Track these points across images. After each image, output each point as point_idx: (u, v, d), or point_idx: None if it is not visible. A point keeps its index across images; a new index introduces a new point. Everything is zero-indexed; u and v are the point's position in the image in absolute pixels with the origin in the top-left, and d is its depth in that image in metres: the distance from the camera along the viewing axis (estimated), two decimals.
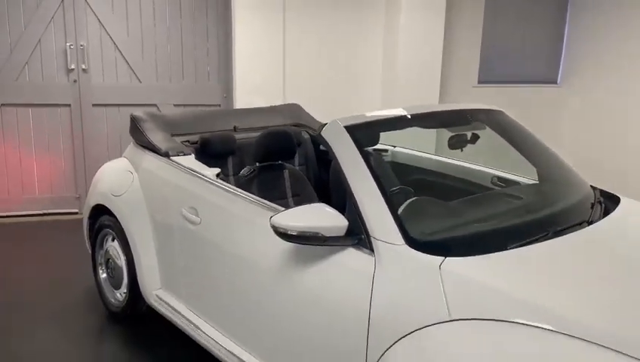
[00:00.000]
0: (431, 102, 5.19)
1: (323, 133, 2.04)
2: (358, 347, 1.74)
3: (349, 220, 1.84)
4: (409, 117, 2.22)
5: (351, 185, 1.88)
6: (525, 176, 2.79)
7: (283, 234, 1.79)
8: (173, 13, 5.00)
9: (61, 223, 4.80)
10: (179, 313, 2.62)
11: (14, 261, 3.93)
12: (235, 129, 3.39)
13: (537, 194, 2.44)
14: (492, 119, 2.72)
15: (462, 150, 2.45)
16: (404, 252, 1.71)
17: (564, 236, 1.88)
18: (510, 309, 1.50)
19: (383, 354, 1.67)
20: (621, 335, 1.39)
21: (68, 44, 4.76)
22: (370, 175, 1.88)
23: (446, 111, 2.47)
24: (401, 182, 3.14)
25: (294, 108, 3.84)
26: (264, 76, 5.11)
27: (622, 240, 1.96)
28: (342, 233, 1.80)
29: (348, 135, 1.99)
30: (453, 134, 2.40)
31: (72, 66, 4.81)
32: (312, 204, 1.86)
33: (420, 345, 1.57)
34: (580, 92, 5.94)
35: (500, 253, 1.70)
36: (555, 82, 6.12)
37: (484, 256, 1.67)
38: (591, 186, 2.52)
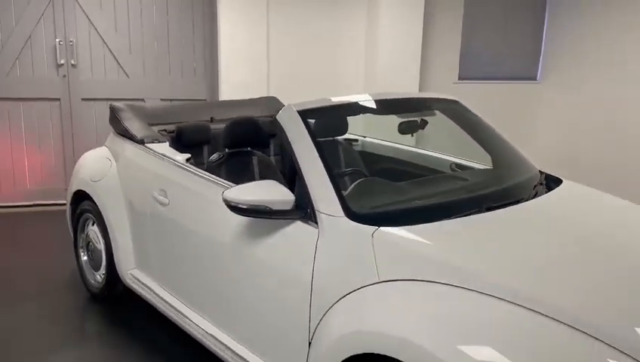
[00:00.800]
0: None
1: (278, 117, 2.20)
2: (303, 309, 1.90)
3: (297, 196, 1.99)
4: (360, 103, 2.38)
5: (300, 163, 2.04)
6: (482, 162, 2.94)
7: (234, 208, 1.95)
8: (159, 10, 5.16)
9: (50, 214, 4.95)
10: (151, 290, 2.78)
11: (3, 248, 4.09)
12: (211, 120, 3.54)
13: (483, 177, 2.60)
14: (447, 108, 2.87)
15: (412, 135, 2.60)
16: (343, 223, 1.87)
17: (497, 211, 2.03)
18: (433, 271, 1.65)
19: (324, 315, 1.83)
20: (534, 293, 1.54)
21: (57, 40, 4.92)
22: (317, 155, 2.04)
23: (399, 99, 2.63)
24: (368, 169, 3.30)
25: (272, 101, 4.00)
26: (248, 72, 5.26)
27: (551, 214, 2.11)
28: (289, 207, 1.96)
29: (300, 118, 2.15)
30: (402, 120, 2.56)
31: (62, 62, 4.97)
32: (262, 181, 2.02)
33: (353, 305, 1.73)
34: (558, 88, 6.08)
35: (430, 223, 1.85)
36: (535, 79, 6.27)
37: (414, 226, 1.83)
38: (540, 171, 2.67)
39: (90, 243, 3.27)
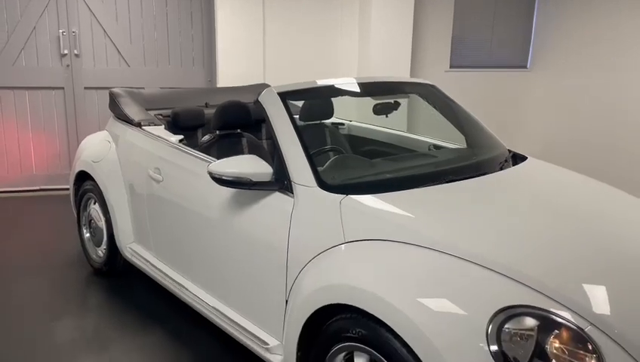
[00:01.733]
0: None
1: (260, 98, 2.39)
2: (281, 272, 2.10)
3: (276, 169, 2.19)
4: (337, 86, 2.57)
5: (278, 139, 2.23)
6: (457, 143, 3.12)
7: (218, 180, 2.15)
8: (159, 1, 5.35)
9: (56, 198, 5.17)
10: (148, 262, 2.99)
11: (12, 229, 4.32)
12: (206, 105, 3.74)
13: (453, 155, 2.79)
14: (425, 92, 3.06)
15: (387, 116, 2.79)
16: (316, 192, 2.07)
17: (459, 182, 2.23)
18: (392, 232, 1.85)
19: (298, 275, 2.03)
20: (482, 250, 1.74)
21: (61, 30, 5.12)
22: (294, 132, 2.24)
23: (379, 83, 2.82)
24: (353, 150, 3.49)
25: (264, 88, 4.17)
26: (245, 61, 5.45)
27: (508, 184, 2.31)
28: (268, 178, 2.16)
29: (279, 99, 2.35)
30: (377, 102, 2.75)
31: (65, 52, 5.17)
32: (244, 155, 2.22)
33: (322, 263, 1.93)
34: (548, 76, 6.23)
35: (393, 192, 2.05)
36: (525, 67, 6.42)
37: (379, 194, 2.02)
38: (509, 150, 2.86)
39: (92, 221, 3.48)
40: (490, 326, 1.53)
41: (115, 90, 3.51)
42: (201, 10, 5.48)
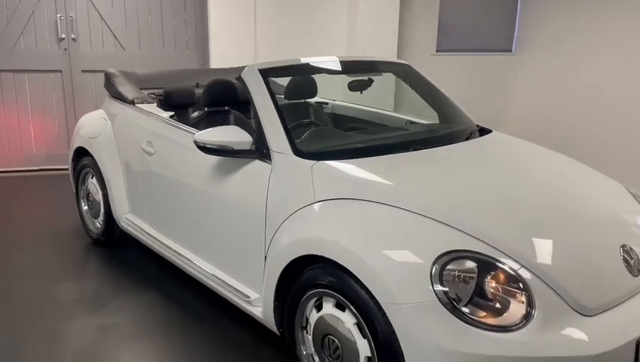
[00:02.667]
0: None
1: (242, 75, 2.60)
2: (260, 232, 2.33)
3: (257, 139, 2.41)
4: (313, 64, 2.78)
5: (259, 112, 2.45)
6: (432, 120, 3.34)
7: (203, 148, 2.37)
8: None
9: (55, 177, 5.38)
10: (143, 230, 3.22)
11: (14, 206, 4.54)
12: (197, 85, 3.95)
13: (423, 129, 3.01)
14: (400, 71, 3.27)
15: (361, 92, 3.01)
16: (291, 159, 2.29)
17: (422, 150, 2.45)
18: (356, 191, 2.08)
19: (274, 234, 2.26)
20: (432, 206, 1.96)
21: (58, 15, 5.30)
22: (273, 105, 2.45)
23: (356, 61, 3.02)
24: (335, 127, 3.70)
25: None
26: (237, 44, 5.63)
27: (469, 152, 2.54)
28: (248, 147, 2.38)
29: (260, 75, 2.56)
30: (352, 79, 2.96)
31: (63, 36, 5.36)
32: (226, 126, 2.44)
33: (295, 221, 2.16)
34: (531, 60, 6.42)
35: (359, 159, 2.27)
36: (510, 51, 6.61)
37: (346, 160, 2.25)
38: (477, 125, 3.07)
39: (90, 195, 3.70)
40: (435, 268, 1.76)
41: (111, 70, 3.72)
42: None
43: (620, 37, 5.19)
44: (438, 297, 1.73)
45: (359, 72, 3.08)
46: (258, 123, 2.43)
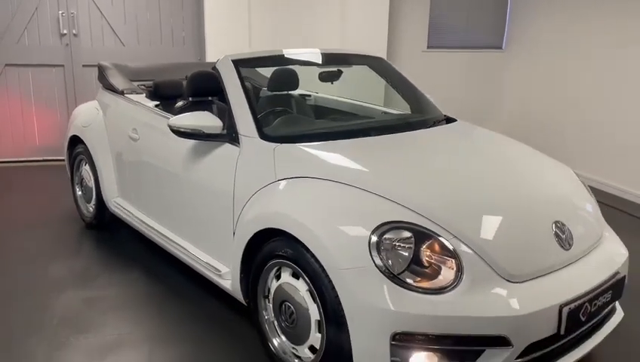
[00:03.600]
0: None
1: (217, 65, 2.80)
2: (229, 210, 2.52)
3: (227, 124, 2.60)
4: (287, 56, 2.96)
5: (230, 99, 2.65)
6: (404, 110, 3.51)
7: (177, 132, 2.57)
8: None
9: (57, 167, 5.59)
10: (129, 212, 3.42)
11: (16, 193, 4.78)
12: (185, 77, 4.14)
13: (392, 117, 3.18)
14: (375, 64, 3.45)
15: (332, 83, 3.19)
16: (256, 142, 2.48)
17: (380, 136, 2.62)
18: (311, 170, 2.26)
19: (242, 210, 2.44)
20: (384, 184, 2.14)
21: (60, 12, 5.53)
22: (243, 93, 2.64)
23: (331, 54, 3.20)
24: (317, 118, 3.89)
25: None
26: (232, 40, 5.82)
27: (431, 138, 2.72)
28: (218, 131, 2.57)
29: (232, 65, 2.75)
30: (323, 70, 3.14)
31: (65, 32, 5.59)
32: (199, 112, 2.63)
33: (258, 199, 2.35)
34: (522, 56, 6.56)
35: (319, 142, 2.45)
36: (501, 47, 6.75)
37: (306, 143, 2.44)
38: (445, 115, 3.24)
39: (83, 181, 3.92)
40: (373, 237, 1.93)
41: (104, 63, 3.93)
42: None
43: (611, 33, 5.30)
44: (374, 263, 1.91)
45: (334, 64, 3.26)
46: (229, 108, 2.63)
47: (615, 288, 2.18)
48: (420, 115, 3.17)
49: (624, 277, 2.24)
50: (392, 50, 6.28)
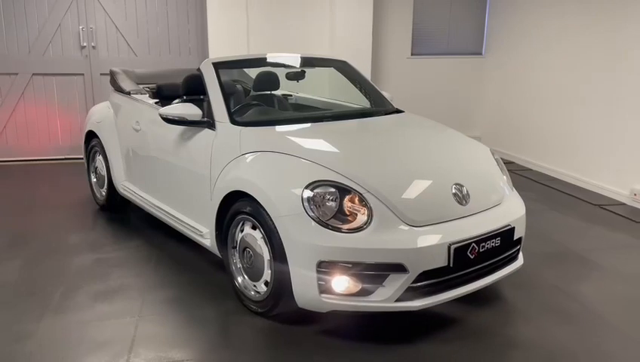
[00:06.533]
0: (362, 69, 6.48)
1: (200, 67, 3.46)
2: (207, 180, 3.16)
3: (207, 113, 3.25)
4: (261, 58, 3.62)
5: (209, 93, 3.31)
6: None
7: (166, 119, 3.23)
8: (160, 2, 6.47)
9: (78, 165, 6.31)
10: (134, 192, 4.09)
11: (42, 185, 5.51)
12: None
13: (347, 110, 3.80)
14: (339, 66, 4.08)
15: (298, 81, 3.83)
16: (228, 126, 3.13)
17: (333, 122, 3.25)
18: (268, 146, 2.89)
19: (216, 181, 3.08)
20: (317, 155, 2.76)
21: (80, 27, 6.29)
22: (219, 89, 3.29)
23: (293, 57, 3.84)
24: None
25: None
26: (232, 49, 6.50)
27: (369, 124, 3.33)
28: (199, 118, 3.22)
29: (212, 66, 3.41)
30: (289, 71, 3.79)
31: (84, 44, 6.34)
32: (184, 103, 3.29)
33: (228, 169, 2.98)
34: (501, 62, 7.11)
35: (278, 126, 3.09)
36: (481, 54, 7.32)
37: (266, 127, 3.08)
38: (395, 108, 3.83)
39: (97, 169, 4.61)
40: (305, 192, 2.55)
41: (115, 68, 4.63)
42: (195, 7, 6.58)
43: (586, 38, 5.73)
44: (306, 210, 2.52)
45: (303, 66, 3.90)
46: (208, 100, 3.28)
47: (504, 236, 2.75)
48: (374, 108, 3.78)
49: (513, 228, 2.81)
50: (378, 57, 6.90)
